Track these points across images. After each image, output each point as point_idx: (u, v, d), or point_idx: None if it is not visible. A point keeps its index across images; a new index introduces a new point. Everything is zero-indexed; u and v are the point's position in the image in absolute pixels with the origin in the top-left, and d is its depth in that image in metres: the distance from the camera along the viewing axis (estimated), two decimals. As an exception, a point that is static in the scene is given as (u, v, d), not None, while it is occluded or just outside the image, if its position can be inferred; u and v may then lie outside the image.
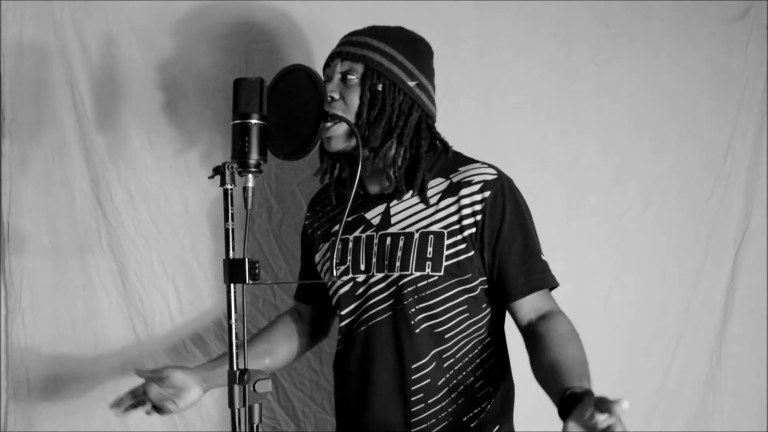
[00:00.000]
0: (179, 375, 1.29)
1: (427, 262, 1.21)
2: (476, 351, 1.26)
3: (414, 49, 1.28)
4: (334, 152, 1.27)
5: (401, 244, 1.23)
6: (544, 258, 1.26)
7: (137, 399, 1.31)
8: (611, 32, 1.84)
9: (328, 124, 1.21)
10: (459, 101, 1.72)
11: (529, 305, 1.24)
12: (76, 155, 1.62)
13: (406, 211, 1.26)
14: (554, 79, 1.81)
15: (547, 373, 1.11)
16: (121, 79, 1.62)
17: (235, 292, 1.06)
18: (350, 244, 1.29)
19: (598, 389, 1.87)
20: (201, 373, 1.33)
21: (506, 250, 1.23)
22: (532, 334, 1.22)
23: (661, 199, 1.88)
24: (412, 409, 1.23)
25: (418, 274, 1.21)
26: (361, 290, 1.28)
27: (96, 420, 1.63)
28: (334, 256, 1.29)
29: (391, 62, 1.23)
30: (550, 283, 1.25)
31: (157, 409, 1.30)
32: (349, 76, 1.23)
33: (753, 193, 1.93)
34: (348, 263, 1.29)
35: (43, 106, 1.60)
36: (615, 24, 1.84)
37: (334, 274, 1.31)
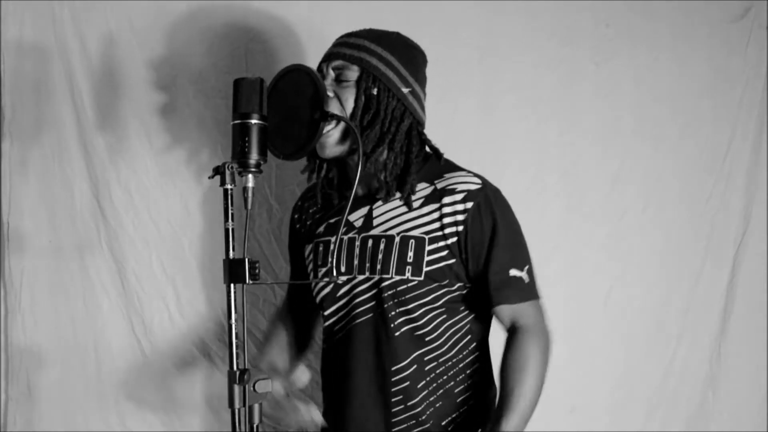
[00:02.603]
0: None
1: (407, 267, 1.21)
2: (460, 356, 1.26)
3: (410, 56, 1.28)
4: (328, 157, 1.26)
5: (382, 246, 1.23)
6: (513, 274, 1.23)
7: None
8: (611, 32, 1.84)
9: (327, 127, 1.21)
10: (458, 102, 1.72)
11: (506, 314, 1.24)
12: (76, 155, 1.62)
13: (387, 213, 1.26)
14: (554, 79, 1.81)
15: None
16: (121, 79, 1.62)
17: (235, 292, 1.06)
18: (332, 246, 1.29)
19: (599, 389, 1.88)
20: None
21: (485, 262, 1.22)
22: (505, 346, 1.25)
23: (661, 199, 1.88)
24: (392, 410, 1.23)
25: (398, 278, 1.21)
26: (341, 292, 1.28)
27: (96, 420, 1.63)
28: (332, 259, 1.28)
29: (387, 67, 1.23)
30: (513, 301, 1.23)
31: None
32: (345, 78, 1.23)
33: (753, 193, 1.93)
34: (329, 265, 1.29)
35: (43, 106, 1.60)
36: (615, 24, 1.84)
37: (318, 275, 1.31)
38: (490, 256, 1.22)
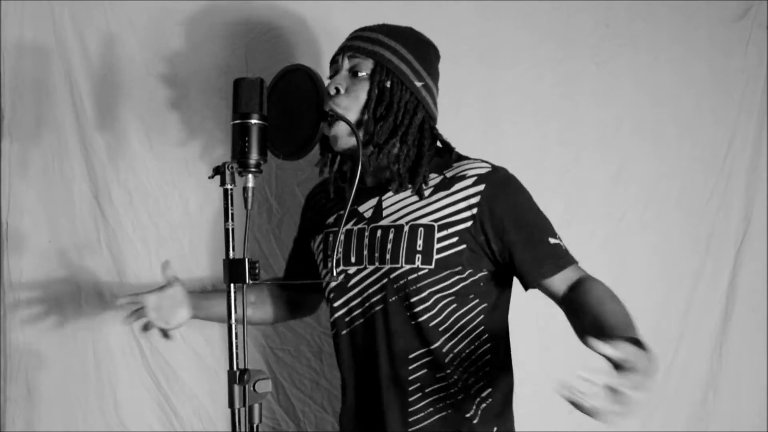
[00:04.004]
0: (180, 289, 1.31)
1: (417, 255, 1.21)
2: (473, 346, 1.25)
3: (423, 50, 1.29)
4: (339, 151, 1.27)
5: (391, 236, 1.24)
6: (554, 241, 1.23)
7: (137, 306, 1.31)
8: (611, 32, 1.84)
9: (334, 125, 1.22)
10: (459, 101, 1.72)
11: (559, 281, 1.23)
12: (76, 155, 1.61)
13: (397, 204, 1.26)
14: (554, 79, 1.81)
15: (590, 331, 1.00)
16: (121, 78, 1.62)
17: (235, 292, 1.06)
18: (341, 237, 1.30)
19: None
20: (195, 299, 1.36)
21: (514, 240, 1.22)
22: (568, 304, 1.21)
23: (661, 200, 1.88)
24: (410, 399, 1.23)
25: (407, 267, 1.21)
26: (352, 282, 1.28)
27: (95, 420, 1.63)
28: (338, 249, 1.29)
29: (400, 61, 1.24)
30: (566, 264, 1.23)
31: (146, 327, 1.32)
32: (359, 71, 1.24)
33: (753, 193, 1.93)
34: (339, 255, 1.30)
35: (43, 106, 1.60)
36: (615, 24, 1.84)
37: (328, 266, 1.31)
38: (524, 232, 1.22)
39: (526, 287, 1.25)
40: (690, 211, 1.90)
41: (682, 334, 1.89)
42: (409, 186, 1.26)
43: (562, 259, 1.23)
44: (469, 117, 1.75)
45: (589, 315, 1.11)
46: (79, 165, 1.62)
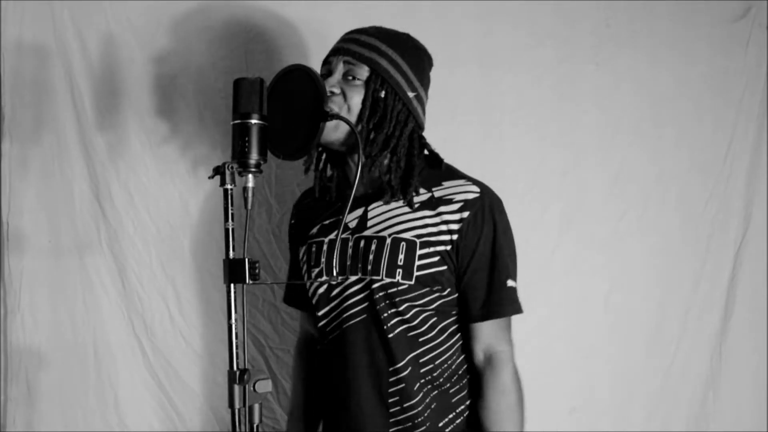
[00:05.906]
0: None
1: (398, 270, 1.21)
2: (454, 357, 1.26)
3: (418, 59, 1.28)
4: (322, 143, 1.25)
5: (373, 247, 1.23)
6: (510, 285, 1.24)
7: None
8: (611, 32, 1.84)
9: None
10: (459, 101, 1.72)
11: (483, 336, 1.24)
12: (76, 155, 1.62)
13: (382, 215, 1.26)
14: (553, 80, 1.81)
15: None
16: (121, 79, 1.62)
17: (235, 292, 1.06)
18: (325, 247, 1.30)
19: (599, 389, 1.88)
20: None
21: (474, 272, 1.22)
22: (478, 381, 1.26)
23: (661, 200, 1.88)
24: (390, 410, 1.23)
25: (388, 280, 1.21)
26: (335, 292, 1.27)
27: (95, 420, 1.63)
28: (324, 259, 1.29)
29: (396, 70, 1.23)
30: (508, 313, 1.24)
31: None
32: (353, 77, 1.23)
33: (753, 193, 1.93)
34: (321, 266, 1.29)
35: (43, 106, 1.60)
36: (615, 24, 1.84)
37: (311, 276, 1.31)
38: (491, 266, 1.22)
39: (468, 321, 1.25)
40: (689, 212, 1.90)
41: (682, 334, 1.89)
42: (401, 197, 1.25)
43: (509, 306, 1.24)
44: (469, 117, 1.75)
45: (489, 426, 1.24)
46: (79, 165, 1.62)
